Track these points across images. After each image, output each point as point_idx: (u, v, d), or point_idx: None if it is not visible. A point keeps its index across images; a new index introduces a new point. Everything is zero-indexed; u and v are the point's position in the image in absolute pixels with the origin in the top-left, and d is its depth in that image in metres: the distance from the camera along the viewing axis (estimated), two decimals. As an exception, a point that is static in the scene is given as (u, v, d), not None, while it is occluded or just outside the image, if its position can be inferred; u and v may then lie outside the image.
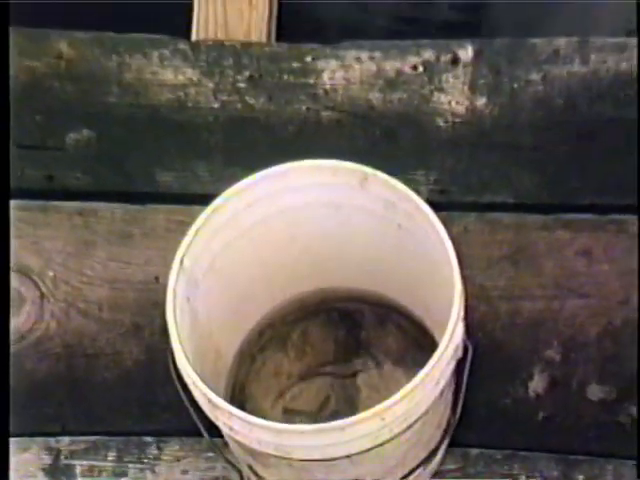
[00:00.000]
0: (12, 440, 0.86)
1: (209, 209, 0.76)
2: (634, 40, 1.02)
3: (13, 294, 0.98)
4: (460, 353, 0.74)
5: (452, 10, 1.24)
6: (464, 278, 0.71)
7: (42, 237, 1.03)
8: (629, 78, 1.01)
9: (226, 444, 0.81)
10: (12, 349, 0.96)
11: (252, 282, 0.89)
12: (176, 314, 0.72)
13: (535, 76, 1.03)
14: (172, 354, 0.71)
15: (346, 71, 1.06)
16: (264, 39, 1.11)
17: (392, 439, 0.70)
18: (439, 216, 0.71)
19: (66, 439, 0.96)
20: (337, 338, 0.96)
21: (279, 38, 1.15)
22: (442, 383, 0.72)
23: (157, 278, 0.98)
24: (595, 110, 1.02)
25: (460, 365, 0.75)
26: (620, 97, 1.01)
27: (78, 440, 0.96)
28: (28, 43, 1.10)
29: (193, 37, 1.13)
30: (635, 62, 1.01)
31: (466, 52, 1.04)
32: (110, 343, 0.98)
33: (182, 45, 1.11)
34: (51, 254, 1.02)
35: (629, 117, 0.99)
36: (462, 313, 0.71)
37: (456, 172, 1.02)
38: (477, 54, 1.04)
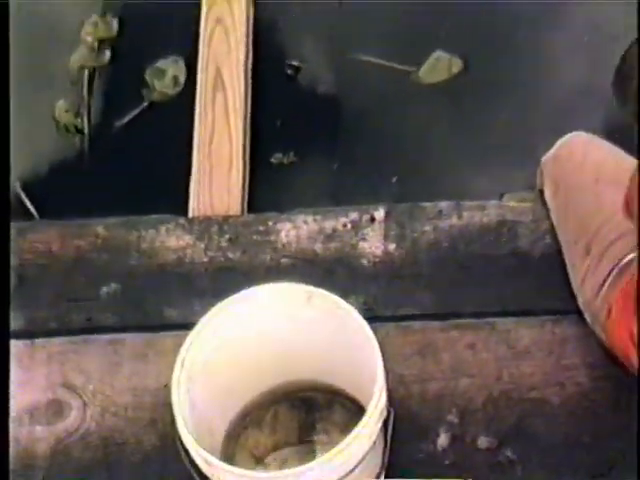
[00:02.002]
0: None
1: (199, 325, 1.01)
2: (493, 202, 1.47)
3: (62, 404, 1.34)
4: (385, 414, 0.97)
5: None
6: (386, 368, 1.01)
7: (84, 361, 1.37)
8: (489, 226, 1.44)
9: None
10: (62, 444, 1.30)
11: (234, 379, 1.13)
12: (180, 403, 0.95)
13: (428, 228, 1.44)
14: (179, 435, 0.97)
15: (297, 230, 1.46)
16: (239, 213, 1.54)
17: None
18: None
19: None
20: (299, 418, 1.28)
21: (249, 210, 1.59)
22: (373, 437, 0.95)
23: (166, 385, 1.26)
24: (469, 249, 1.43)
25: (386, 425, 1.05)
26: (485, 240, 1.43)
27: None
28: (76, 229, 1.50)
29: (190, 214, 1.55)
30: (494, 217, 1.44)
31: (380, 213, 1.47)
32: (134, 434, 1.30)
33: (181, 220, 1.51)
34: (90, 373, 1.36)
35: (492, 253, 1.42)
36: (384, 385, 0.97)
37: (378, 295, 1.41)
38: (387, 214, 1.47)
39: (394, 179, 1.74)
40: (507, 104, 1.82)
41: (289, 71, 1.94)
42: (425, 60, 1.91)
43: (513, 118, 1.78)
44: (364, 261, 1.43)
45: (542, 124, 1.70)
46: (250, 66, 1.72)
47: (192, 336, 1.02)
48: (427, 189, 1.64)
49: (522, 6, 1.94)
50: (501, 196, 1.55)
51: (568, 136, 1.42)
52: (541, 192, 1.43)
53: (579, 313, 1.29)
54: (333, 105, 1.93)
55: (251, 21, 1.77)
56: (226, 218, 1.50)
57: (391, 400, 1.01)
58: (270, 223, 1.48)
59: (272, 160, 1.78)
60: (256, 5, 1.88)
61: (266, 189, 1.68)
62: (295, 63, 1.95)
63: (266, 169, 1.75)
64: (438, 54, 1.90)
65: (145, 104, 1.90)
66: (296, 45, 2.00)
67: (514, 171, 1.64)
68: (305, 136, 1.85)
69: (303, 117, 1.90)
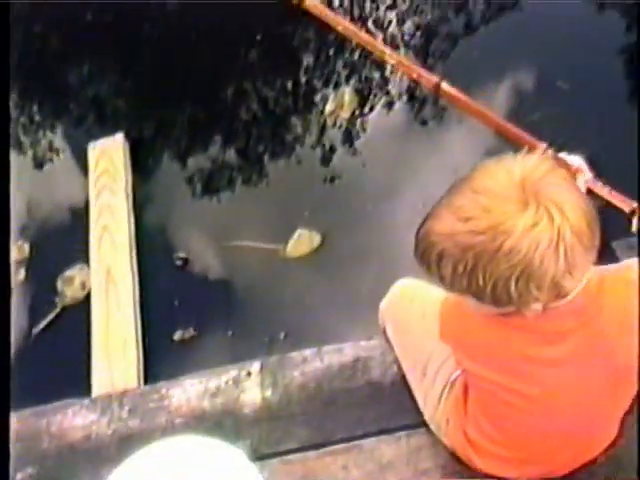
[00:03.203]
0: None
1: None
2: (348, 343, 1.76)
3: None
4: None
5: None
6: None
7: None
8: (346, 364, 1.71)
9: None
10: None
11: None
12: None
13: (296, 373, 1.71)
14: None
15: (186, 393, 1.71)
16: (136, 385, 1.79)
17: None
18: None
19: None
20: None
21: (148, 382, 1.84)
22: None
23: None
24: (332, 385, 1.68)
25: None
26: (345, 375, 1.69)
27: None
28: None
29: (93, 394, 1.79)
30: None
31: (255, 367, 1.74)
32: None
33: (86, 401, 1.75)
34: None
35: (352, 386, 1.69)
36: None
37: (262, 437, 1.62)
38: (262, 367, 1.74)
39: (281, 334, 2.04)
40: (361, 267, 2.18)
41: (178, 262, 2.28)
42: (290, 237, 2.27)
43: (366, 277, 2.13)
44: (246, 410, 1.67)
45: (386, 278, 2.03)
46: (135, 263, 2.03)
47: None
48: (301, 341, 1.93)
49: (368, 184, 2.37)
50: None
51: (399, 282, 1.74)
52: (384, 330, 1.73)
53: (427, 425, 1.54)
54: (220, 284, 2.25)
55: (132, 226, 2.12)
56: (125, 392, 1.74)
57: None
58: (163, 390, 1.72)
59: (174, 337, 2.07)
60: (139, 209, 2.26)
61: (172, 361, 1.95)
62: (182, 255, 2.29)
63: (169, 345, 2.04)
64: (300, 232, 2.27)
65: (58, 309, 2.17)
66: (181, 239, 2.36)
67: (369, 318, 1.94)
68: (200, 314, 2.15)
69: (196, 298, 2.21)
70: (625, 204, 1.28)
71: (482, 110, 1.25)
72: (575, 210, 0.94)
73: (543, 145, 1.22)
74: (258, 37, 2.76)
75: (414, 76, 1.21)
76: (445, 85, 1.22)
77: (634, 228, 1.31)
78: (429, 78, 1.21)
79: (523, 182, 0.95)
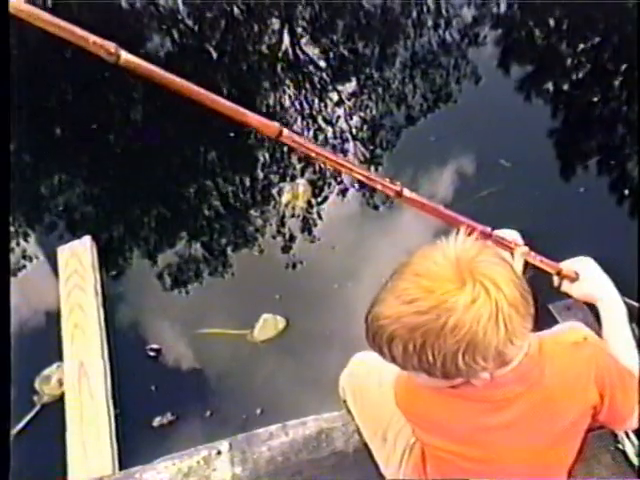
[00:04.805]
0: None
1: None
2: (311, 417, 1.86)
3: None
4: None
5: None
6: None
7: None
8: (310, 436, 1.80)
9: None
10: None
11: None
12: None
13: (264, 448, 1.78)
14: None
15: (160, 475, 1.77)
16: (110, 472, 1.86)
17: None
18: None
19: None
20: None
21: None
22: None
23: None
24: (298, 457, 1.76)
25: None
26: (309, 447, 1.78)
27: None
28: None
29: (69, 484, 1.86)
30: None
31: (224, 446, 1.80)
32: None
33: None
34: None
35: (317, 457, 1.77)
36: None
37: None
38: (230, 446, 1.81)
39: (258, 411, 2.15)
40: (323, 349, 2.30)
41: (151, 353, 2.38)
42: (256, 322, 2.39)
43: (328, 357, 2.25)
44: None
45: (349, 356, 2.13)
46: (107, 356, 2.14)
47: None
48: (270, 418, 2.02)
49: (328, 268, 2.52)
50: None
51: (357, 355, 1.84)
52: (344, 402, 1.83)
53: (391, 489, 1.63)
54: (193, 371, 2.35)
55: (103, 322, 2.23)
56: (101, 479, 1.80)
57: None
58: (137, 475, 1.78)
59: (154, 424, 2.15)
60: (110, 305, 2.38)
61: (152, 447, 2.01)
62: (155, 346, 2.39)
63: (149, 430, 2.13)
64: (265, 317, 2.40)
65: (38, 407, 2.23)
66: (153, 331, 2.47)
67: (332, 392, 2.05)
68: (177, 399, 2.24)
69: (170, 385, 2.30)
70: (553, 268, 1.42)
71: (438, 209, 1.38)
72: (508, 283, 1.02)
73: (481, 227, 1.34)
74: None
75: (378, 187, 1.32)
76: (406, 191, 1.35)
77: (555, 283, 1.44)
78: (391, 187, 1.34)
79: (458, 262, 1.01)
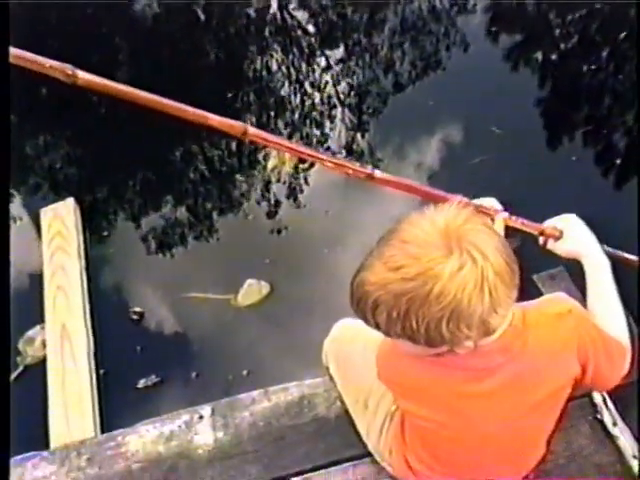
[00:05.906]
0: None
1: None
2: (293, 382, 1.86)
3: None
4: None
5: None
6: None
7: None
8: (293, 402, 1.80)
9: None
10: None
11: None
12: None
13: (246, 414, 1.79)
14: None
15: (142, 438, 1.78)
16: (93, 435, 1.86)
17: None
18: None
19: None
20: None
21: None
22: None
23: None
24: (280, 423, 1.77)
25: None
26: (292, 413, 1.78)
27: None
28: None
29: (51, 447, 1.84)
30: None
31: (206, 411, 1.81)
32: None
33: (45, 454, 1.79)
34: None
35: (299, 422, 1.78)
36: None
37: (214, 477, 1.69)
38: (213, 410, 1.81)
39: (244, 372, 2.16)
40: (307, 315, 2.31)
41: (134, 316, 2.37)
42: (240, 287, 2.39)
43: (312, 323, 2.26)
44: (200, 451, 1.75)
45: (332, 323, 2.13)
46: (89, 319, 2.13)
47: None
48: (252, 383, 2.02)
49: (313, 235, 2.52)
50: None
51: (341, 321, 1.84)
52: (327, 368, 1.83)
53: (371, 455, 1.63)
54: (176, 334, 2.35)
55: (85, 284, 2.22)
56: (82, 442, 1.80)
57: None
58: (119, 438, 1.79)
59: (138, 386, 2.17)
60: (93, 268, 2.36)
61: (138, 408, 2.03)
62: (138, 309, 2.39)
63: (135, 393, 2.14)
64: (249, 281, 2.39)
65: (21, 368, 2.23)
66: (136, 295, 2.46)
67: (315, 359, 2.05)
68: (161, 362, 2.24)
69: (155, 348, 2.30)
70: (535, 228, 1.42)
71: (412, 185, 1.39)
72: (494, 252, 1.02)
73: (458, 197, 1.33)
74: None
75: (349, 172, 1.32)
76: (378, 173, 1.35)
77: (540, 242, 1.44)
78: (362, 170, 1.34)
79: (446, 230, 1.02)
